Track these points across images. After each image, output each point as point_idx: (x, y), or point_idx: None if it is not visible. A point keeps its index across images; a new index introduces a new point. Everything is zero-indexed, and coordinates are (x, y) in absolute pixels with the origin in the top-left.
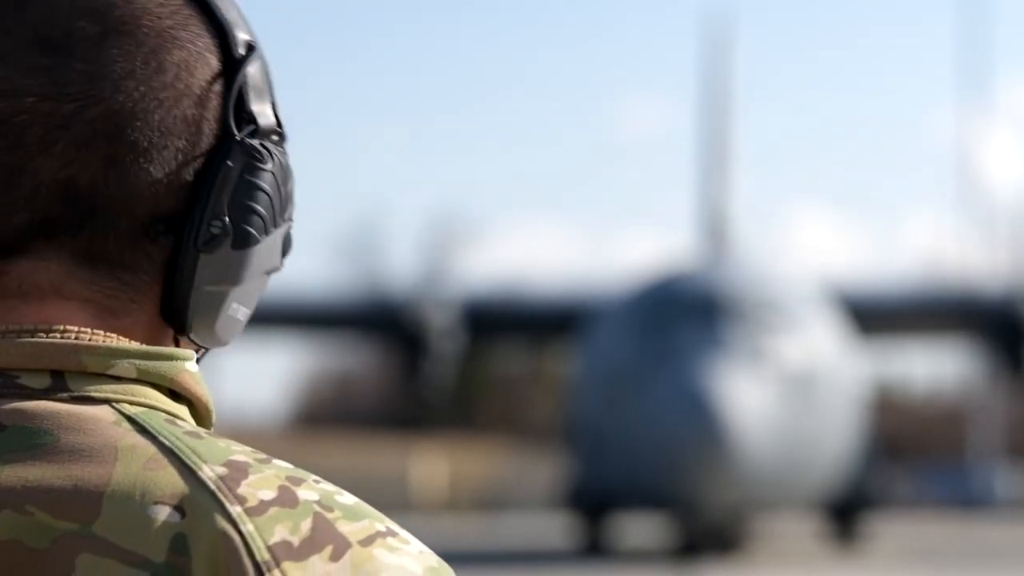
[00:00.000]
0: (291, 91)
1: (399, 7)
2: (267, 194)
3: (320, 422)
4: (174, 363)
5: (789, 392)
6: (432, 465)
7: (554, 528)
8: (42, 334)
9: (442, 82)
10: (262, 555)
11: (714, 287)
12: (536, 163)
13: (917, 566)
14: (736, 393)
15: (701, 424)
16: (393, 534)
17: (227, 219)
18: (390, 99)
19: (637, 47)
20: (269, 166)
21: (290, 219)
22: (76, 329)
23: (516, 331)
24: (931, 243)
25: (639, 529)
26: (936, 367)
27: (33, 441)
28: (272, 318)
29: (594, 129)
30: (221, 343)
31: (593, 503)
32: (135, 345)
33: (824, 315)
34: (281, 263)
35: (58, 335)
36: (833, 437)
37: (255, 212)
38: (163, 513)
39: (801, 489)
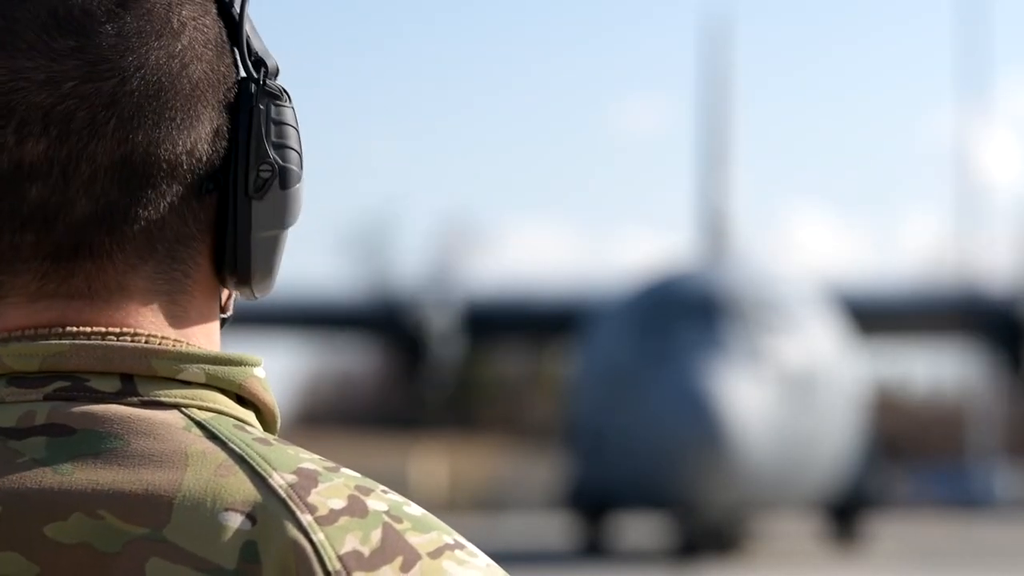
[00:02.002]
0: (300, 90)
1: (399, 6)
2: (296, 130)
3: (320, 422)
4: (243, 368)
5: (788, 392)
6: (432, 465)
7: (554, 528)
8: (112, 337)
9: (442, 82)
10: (333, 564)
11: (713, 287)
12: (535, 163)
13: (917, 566)
14: (735, 393)
15: (700, 424)
16: (461, 547)
17: (272, 161)
18: (390, 99)
19: (636, 47)
20: (289, 103)
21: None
22: (146, 333)
23: (516, 331)
24: (930, 243)
25: (639, 529)
26: (936, 367)
27: (103, 445)
28: (274, 318)
29: (593, 129)
30: (270, 291)
31: (593, 503)
32: (204, 350)
33: (824, 315)
34: None
35: (128, 338)
36: (833, 437)
37: (292, 149)
38: (235, 520)
39: (800, 489)
